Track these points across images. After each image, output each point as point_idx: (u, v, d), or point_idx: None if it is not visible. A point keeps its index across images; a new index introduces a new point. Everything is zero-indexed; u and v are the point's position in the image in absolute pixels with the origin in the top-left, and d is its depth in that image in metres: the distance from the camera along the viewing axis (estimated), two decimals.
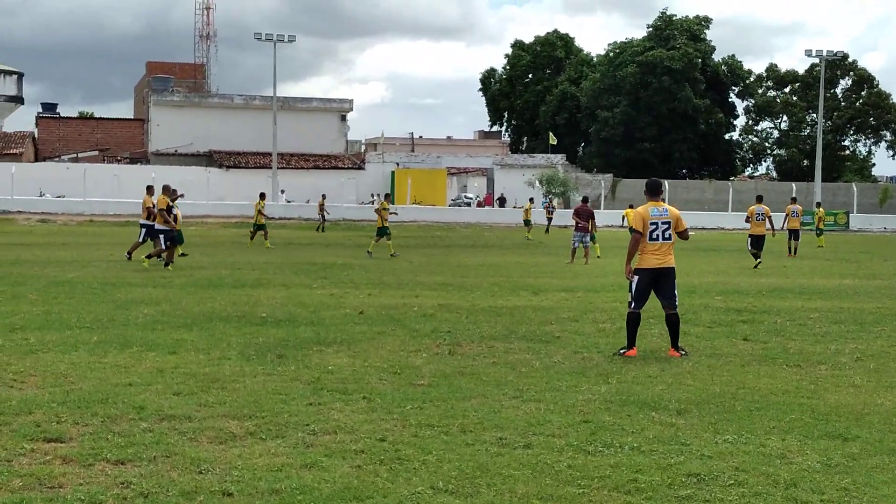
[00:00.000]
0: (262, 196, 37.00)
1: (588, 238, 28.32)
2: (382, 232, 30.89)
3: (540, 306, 16.16)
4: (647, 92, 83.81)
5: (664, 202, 11.73)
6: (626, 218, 41.90)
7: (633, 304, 11.43)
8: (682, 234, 11.66)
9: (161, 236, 23.20)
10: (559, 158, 78.88)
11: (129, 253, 24.57)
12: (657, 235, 11.37)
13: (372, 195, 73.11)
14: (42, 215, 56.94)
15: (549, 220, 51.98)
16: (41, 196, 63.73)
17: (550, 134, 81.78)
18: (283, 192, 67.17)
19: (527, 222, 46.82)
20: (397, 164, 75.73)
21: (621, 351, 11.38)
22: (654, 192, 11.67)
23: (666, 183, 70.96)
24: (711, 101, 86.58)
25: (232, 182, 68.74)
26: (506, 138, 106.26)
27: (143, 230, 24.34)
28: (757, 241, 27.02)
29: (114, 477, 6.24)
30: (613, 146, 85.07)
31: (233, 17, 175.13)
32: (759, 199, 28.62)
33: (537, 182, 68.53)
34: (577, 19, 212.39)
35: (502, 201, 72.61)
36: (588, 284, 20.32)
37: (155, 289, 17.95)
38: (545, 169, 72.70)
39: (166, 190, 23.64)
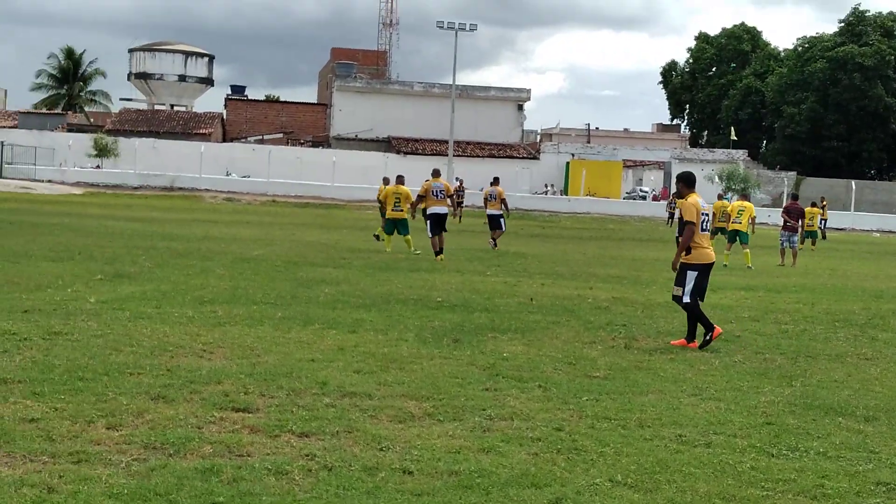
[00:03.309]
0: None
1: (796, 238, 26.90)
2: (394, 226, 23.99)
3: (719, 304, 15.77)
4: (836, 89, 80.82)
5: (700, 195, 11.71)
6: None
7: (691, 297, 11.31)
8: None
9: (429, 221, 22.33)
10: (741, 154, 76.86)
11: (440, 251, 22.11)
12: (706, 227, 11.49)
13: (545, 185, 73.01)
14: (228, 194, 59.15)
15: (459, 203, 45.31)
16: (227, 175, 66.14)
17: (732, 129, 79.82)
18: (457, 179, 67.74)
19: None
20: (572, 155, 75.28)
21: (707, 337, 11.18)
22: (692, 185, 11.69)
23: (853, 183, 68.45)
24: None
25: (409, 168, 69.59)
26: (685, 132, 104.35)
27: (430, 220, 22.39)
28: None
29: (299, 448, 6.42)
30: (799, 143, 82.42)
31: (414, 5, 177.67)
32: None
33: (716, 177, 66.98)
34: (765, 11, 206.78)
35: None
36: (769, 284, 19.74)
37: (335, 269, 18.40)
38: (725, 164, 71.01)
39: (437, 174, 23.37)
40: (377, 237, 27.10)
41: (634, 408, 8.01)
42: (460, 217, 44.76)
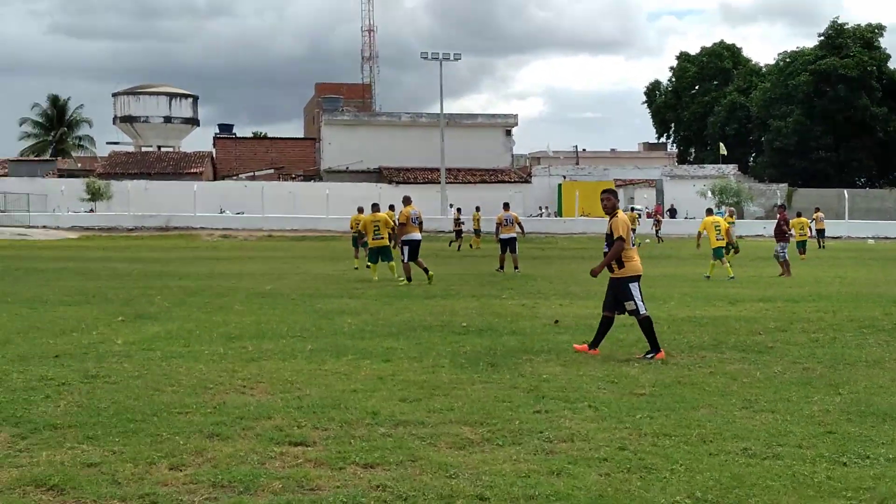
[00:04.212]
0: (478, 209, 46.07)
1: (787, 248, 26.63)
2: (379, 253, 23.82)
3: (741, 316, 15.74)
4: (821, 101, 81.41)
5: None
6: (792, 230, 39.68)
7: (643, 310, 11.63)
8: None
9: (406, 248, 22.52)
10: (731, 168, 77.19)
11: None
12: (633, 240, 11.94)
13: (539, 208, 73.10)
14: (223, 231, 59.12)
15: (459, 232, 46.47)
16: (221, 213, 66.04)
17: (721, 144, 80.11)
18: (453, 207, 67.78)
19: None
20: (564, 177, 75.47)
21: (649, 356, 11.41)
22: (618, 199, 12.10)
23: (846, 192, 68.73)
24: (889, 109, 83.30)
25: (402, 197, 69.84)
26: (672, 150, 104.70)
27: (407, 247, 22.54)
28: None
29: (367, 480, 6.31)
30: (787, 156, 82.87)
31: (391, 38, 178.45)
32: None
33: (709, 192, 67.13)
34: (738, 30, 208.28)
35: (672, 213, 71.43)
36: (785, 294, 19.71)
37: (351, 300, 18.31)
38: (716, 179, 71.19)
39: (409, 201, 23.39)
40: (357, 268, 27.57)
41: (691, 423, 7.92)
42: (460, 245, 44.70)
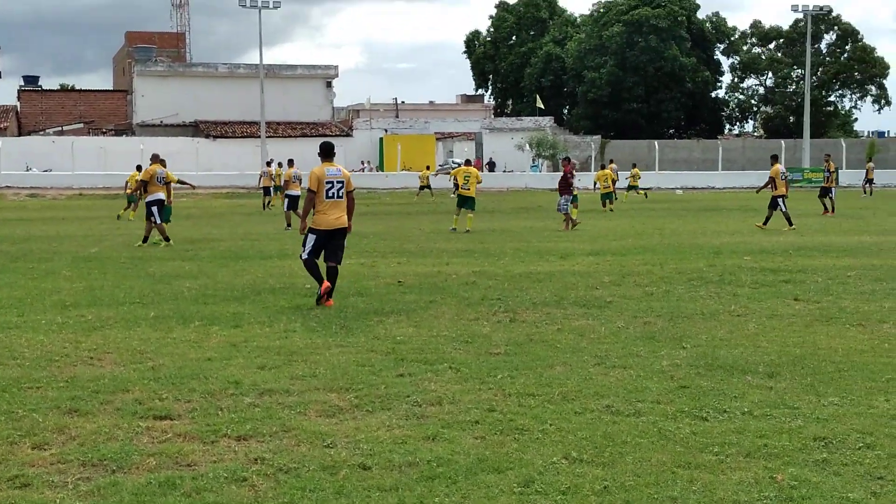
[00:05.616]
0: (280, 165, 41.74)
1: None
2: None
3: (575, 271, 16.16)
4: (633, 51, 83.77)
5: (336, 165, 12.72)
6: (596, 182, 40.44)
7: (306, 255, 12.51)
8: (350, 195, 12.68)
9: (154, 208, 21.66)
10: (547, 121, 78.75)
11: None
12: (332, 193, 12.43)
13: (361, 163, 72.84)
14: (31, 190, 56.56)
15: (266, 189, 43.84)
16: (28, 170, 63.16)
17: (538, 97, 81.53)
18: (269, 162, 66.75)
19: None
20: (385, 131, 75.36)
21: (319, 292, 12.41)
22: (328, 155, 12.55)
23: (656, 143, 71.25)
24: (697, 60, 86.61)
25: (220, 152, 68.43)
26: (489, 102, 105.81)
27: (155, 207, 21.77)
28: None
29: (243, 453, 6.20)
30: (601, 107, 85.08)
31: None
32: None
33: (527, 145, 68.41)
34: None
35: (491, 166, 72.45)
36: (612, 248, 20.34)
37: (184, 262, 17.86)
38: (534, 132, 72.55)
39: (157, 158, 22.34)
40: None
41: (552, 382, 8.11)
42: (268, 203, 43.09)
